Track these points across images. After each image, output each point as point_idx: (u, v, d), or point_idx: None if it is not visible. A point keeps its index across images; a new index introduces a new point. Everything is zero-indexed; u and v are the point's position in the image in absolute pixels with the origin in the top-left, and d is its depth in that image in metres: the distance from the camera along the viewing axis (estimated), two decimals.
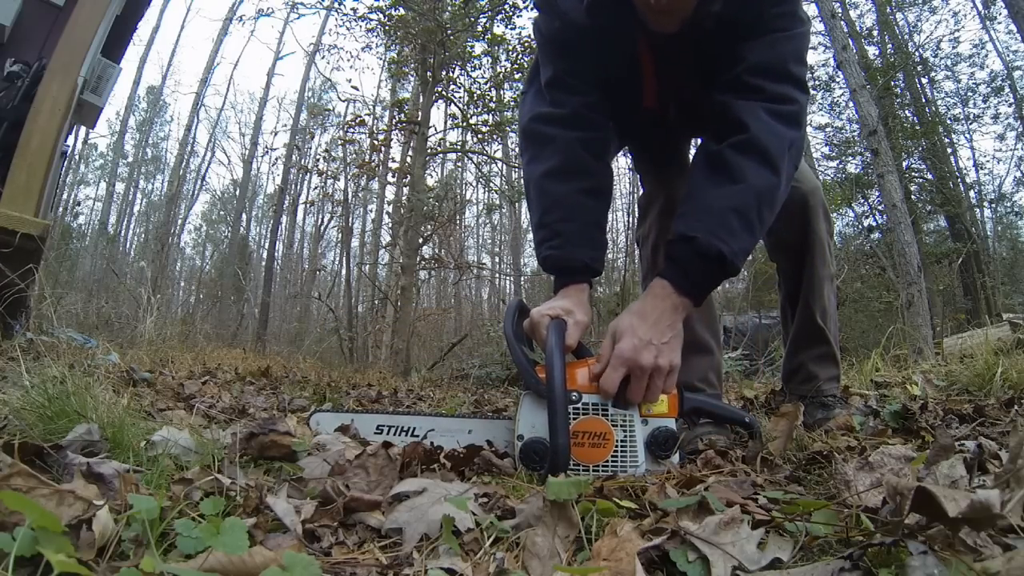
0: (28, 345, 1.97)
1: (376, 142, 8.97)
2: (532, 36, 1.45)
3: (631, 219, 13.34)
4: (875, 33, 12.91)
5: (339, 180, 9.80)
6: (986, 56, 12.78)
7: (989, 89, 12.72)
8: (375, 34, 8.67)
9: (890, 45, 12.72)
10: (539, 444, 1.00)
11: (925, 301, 6.16)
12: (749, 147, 1.05)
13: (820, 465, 0.94)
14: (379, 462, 0.86)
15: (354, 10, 8.60)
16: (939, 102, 13.00)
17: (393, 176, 10.38)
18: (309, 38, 34.62)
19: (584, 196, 1.23)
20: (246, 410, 1.65)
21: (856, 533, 0.61)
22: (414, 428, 1.21)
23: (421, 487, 0.77)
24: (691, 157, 1.61)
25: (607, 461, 1.03)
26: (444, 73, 8.19)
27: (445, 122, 9.24)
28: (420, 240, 8.01)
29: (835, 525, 0.63)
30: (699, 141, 1.62)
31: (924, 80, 12.71)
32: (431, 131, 8.48)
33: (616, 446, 1.03)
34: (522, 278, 15.52)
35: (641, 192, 1.62)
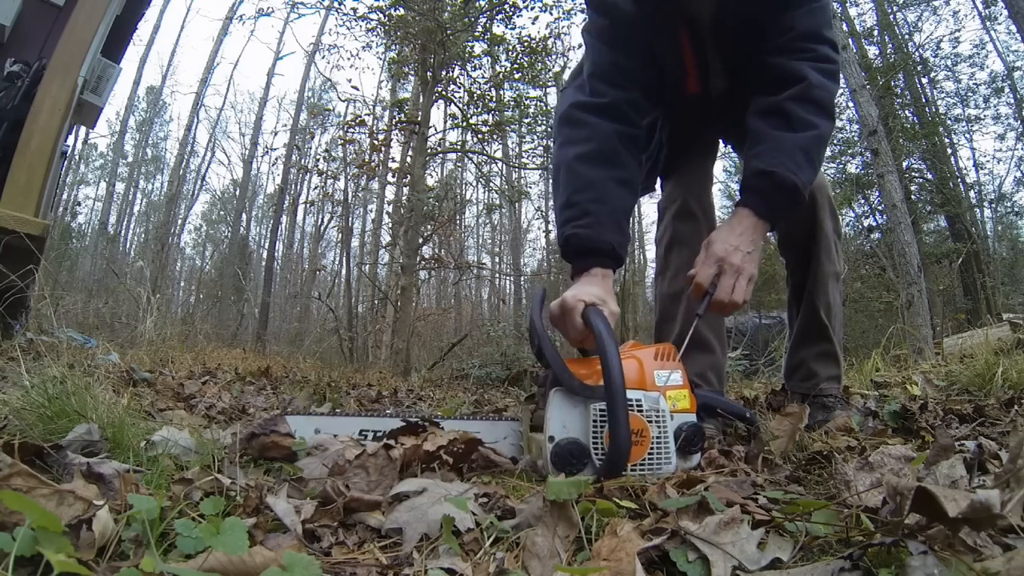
0: (28, 345, 1.97)
1: (376, 142, 8.96)
2: (573, 39, 1.53)
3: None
4: (875, 33, 12.90)
5: (339, 180, 9.79)
6: (986, 56, 12.78)
7: (989, 90, 12.72)
8: (375, 34, 8.66)
9: (890, 45, 12.71)
10: (574, 445, 0.94)
11: (925, 301, 6.15)
12: (807, 98, 1.20)
13: (820, 465, 0.94)
14: (379, 462, 0.86)
15: (354, 10, 8.59)
16: (939, 102, 12.99)
17: (393, 176, 10.37)
18: (309, 38, 34.60)
19: (616, 184, 1.23)
20: (246, 410, 1.65)
21: (856, 533, 0.61)
22: None
23: (421, 487, 0.77)
24: (713, 169, 1.71)
25: (644, 459, 0.98)
26: (444, 73, 8.18)
27: (445, 122, 9.24)
28: (420, 240, 8.00)
29: (835, 525, 0.63)
30: (725, 143, 1.70)
31: (924, 80, 12.70)
32: (431, 131, 8.48)
33: (652, 443, 0.99)
34: (522, 278, 15.51)
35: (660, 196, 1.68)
